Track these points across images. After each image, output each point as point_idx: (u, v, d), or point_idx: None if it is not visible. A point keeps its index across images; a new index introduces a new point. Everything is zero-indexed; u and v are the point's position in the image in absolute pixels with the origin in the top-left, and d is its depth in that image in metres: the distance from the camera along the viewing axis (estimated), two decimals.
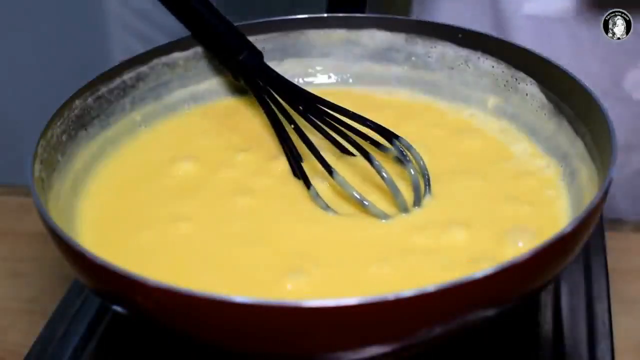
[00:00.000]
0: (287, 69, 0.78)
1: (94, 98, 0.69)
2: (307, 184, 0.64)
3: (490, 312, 0.51)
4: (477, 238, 0.59)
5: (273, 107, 0.69)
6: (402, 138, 0.64)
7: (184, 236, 0.61)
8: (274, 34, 0.77)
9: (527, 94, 0.71)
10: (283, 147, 0.68)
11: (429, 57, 0.75)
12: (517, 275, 0.50)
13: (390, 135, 0.64)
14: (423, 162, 0.63)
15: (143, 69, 0.73)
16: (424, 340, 0.51)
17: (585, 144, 0.64)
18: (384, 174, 0.61)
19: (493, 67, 0.73)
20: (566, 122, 0.67)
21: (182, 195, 0.65)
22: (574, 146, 0.65)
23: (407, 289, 0.47)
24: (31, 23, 1.29)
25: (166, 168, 0.68)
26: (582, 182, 0.63)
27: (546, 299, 0.65)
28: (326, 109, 0.67)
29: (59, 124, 0.64)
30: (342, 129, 0.66)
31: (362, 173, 0.65)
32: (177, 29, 0.74)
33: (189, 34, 0.75)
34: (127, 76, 0.72)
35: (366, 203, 0.61)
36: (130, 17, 1.35)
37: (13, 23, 1.29)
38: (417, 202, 0.62)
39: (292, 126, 0.67)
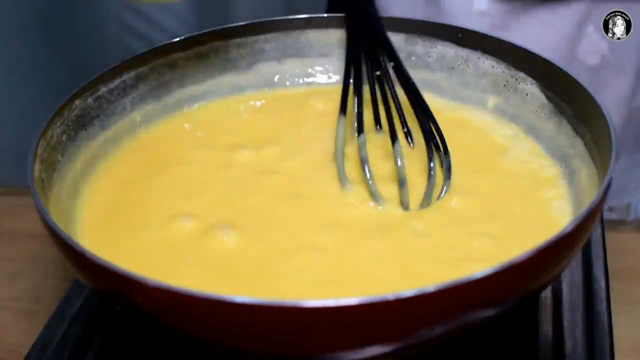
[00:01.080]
0: (287, 69, 0.78)
1: (94, 98, 0.69)
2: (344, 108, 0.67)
3: (490, 312, 0.51)
4: (475, 237, 0.59)
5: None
6: (449, 155, 0.65)
7: (185, 236, 0.61)
8: (274, 34, 0.77)
9: (527, 94, 0.71)
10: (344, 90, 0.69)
11: (429, 57, 0.75)
12: (517, 275, 0.50)
13: (440, 147, 0.65)
14: (449, 180, 0.64)
15: (143, 69, 0.73)
16: (424, 340, 0.51)
17: (585, 144, 0.64)
18: (401, 174, 0.62)
19: (493, 67, 0.73)
20: (566, 122, 0.67)
21: (183, 195, 0.65)
22: (574, 146, 0.65)
23: (404, 285, 0.47)
24: (31, 23, 1.29)
25: (166, 168, 0.68)
26: (582, 182, 0.63)
27: (546, 299, 0.65)
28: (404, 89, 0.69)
29: (59, 124, 0.64)
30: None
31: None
32: (177, 29, 0.74)
33: (189, 34, 0.75)
34: (127, 76, 0.72)
35: (369, 179, 0.61)
36: (130, 17, 1.35)
37: (13, 23, 1.29)
38: (425, 203, 0.62)
39: (377, 73, 0.70)
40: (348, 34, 0.74)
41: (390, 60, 0.71)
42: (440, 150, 0.65)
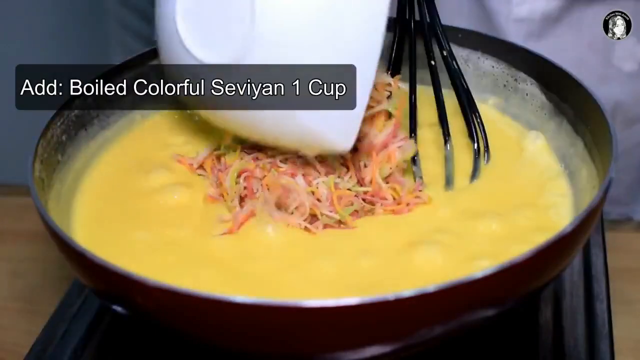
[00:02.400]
0: None
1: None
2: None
3: (490, 312, 0.51)
4: (474, 237, 0.59)
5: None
6: (489, 151, 0.66)
7: (185, 235, 0.60)
8: None
9: (527, 94, 0.71)
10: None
11: None
12: (517, 275, 0.50)
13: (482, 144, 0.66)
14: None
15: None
16: (424, 340, 0.51)
17: (585, 144, 0.64)
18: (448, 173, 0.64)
19: (493, 67, 0.73)
20: (566, 122, 0.67)
21: (179, 193, 0.64)
22: (574, 146, 0.65)
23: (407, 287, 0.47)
24: (31, 23, 1.29)
25: (164, 163, 0.68)
26: (582, 182, 0.63)
27: (546, 299, 0.65)
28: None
29: (59, 124, 0.64)
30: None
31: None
32: None
33: None
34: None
35: (450, 184, 0.64)
36: (130, 17, 1.35)
37: (13, 23, 1.29)
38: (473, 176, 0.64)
39: (432, 62, 0.69)
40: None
41: (442, 49, 0.70)
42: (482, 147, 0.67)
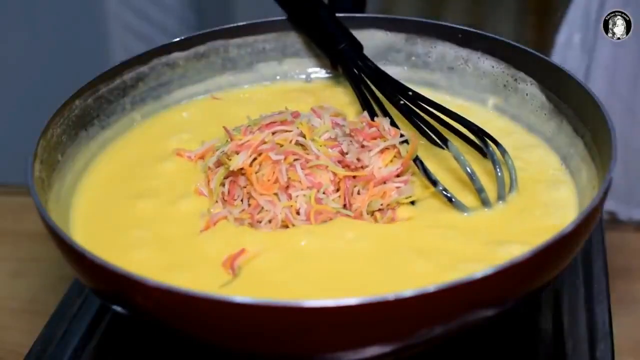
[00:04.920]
0: (287, 69, 0.78)
1: (94, 98, 0.69)
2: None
3: (490, 312, 0.51)
4: (475, 239, 0.59)
5: (368, 95, 0.70)
6: (502, 146, 0.63)
7: (179, 234, 0.60)
8: (274, 34, 0.77)
9: (527, 94, 0.71)
10: None
11: (429, 57, 0.75)
12: (517, 275, 0.50)
13: (491, 139, 0.64)
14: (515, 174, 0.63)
15: (143, 69, 0.73)
16: (424, 340, 0.51)
17: (585, 144, 0.64)
18: (468, 168, 0.61)
19: (493, 67, 0.73)
20: (566, 122, 0.67)
21: (178, 192, 0.64)
22: (574, 146, 0.65)
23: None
24: (31, 23, 1.29)
25: (162, 159, 0.68)
26: (582, 182, 0.63)
27: (546, 299, 0.65)
28: (422, 104, 0.67)
29: (59, 124, 0.64)
30: (433, 121, 0.66)
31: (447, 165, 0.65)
32: (177, 29, 0.74)
33: (188, 34, 0.75)
34: (127, 76, 0.72)
35: (475, 178, 0.61)
36: (130, 17, 1.35)
37: (13, 23, 1.29)
38: (502, 197, 0.61)
39: (402, 102, 0.68)
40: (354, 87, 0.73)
41: (402, 93, 0.69)
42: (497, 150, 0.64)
